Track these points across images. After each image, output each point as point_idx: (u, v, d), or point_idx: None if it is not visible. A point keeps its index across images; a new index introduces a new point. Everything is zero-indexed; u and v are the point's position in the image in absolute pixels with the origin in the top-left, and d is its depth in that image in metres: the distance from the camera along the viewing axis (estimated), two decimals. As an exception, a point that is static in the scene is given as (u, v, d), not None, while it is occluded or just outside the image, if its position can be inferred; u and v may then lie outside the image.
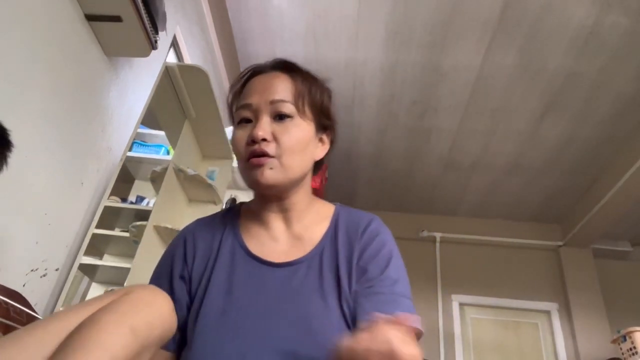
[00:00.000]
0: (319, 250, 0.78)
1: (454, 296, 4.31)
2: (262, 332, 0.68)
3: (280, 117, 0.77)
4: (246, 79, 0.84)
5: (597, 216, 3.91)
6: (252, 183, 0.77)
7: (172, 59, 2.38)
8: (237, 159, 0.79)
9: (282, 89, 0.78)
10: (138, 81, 1.93)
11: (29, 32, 1.28)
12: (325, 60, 3.08)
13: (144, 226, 1.87)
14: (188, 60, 2.49)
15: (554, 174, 3.96)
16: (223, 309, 0.71)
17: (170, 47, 2.24)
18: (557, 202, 4.31)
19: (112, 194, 1.73)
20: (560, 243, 4.46)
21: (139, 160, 2.21)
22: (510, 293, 4.28)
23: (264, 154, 0.74)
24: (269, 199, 0.81)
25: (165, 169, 2.06)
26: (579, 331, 4.03)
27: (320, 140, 0.83)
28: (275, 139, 0.75)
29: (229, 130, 2.69)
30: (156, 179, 2.10)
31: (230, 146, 0.78)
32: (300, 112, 0.78)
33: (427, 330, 4.04)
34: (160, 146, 2.35)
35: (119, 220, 1.99)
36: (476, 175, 4.11)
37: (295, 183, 0.79)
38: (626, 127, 3.36)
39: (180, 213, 2.25)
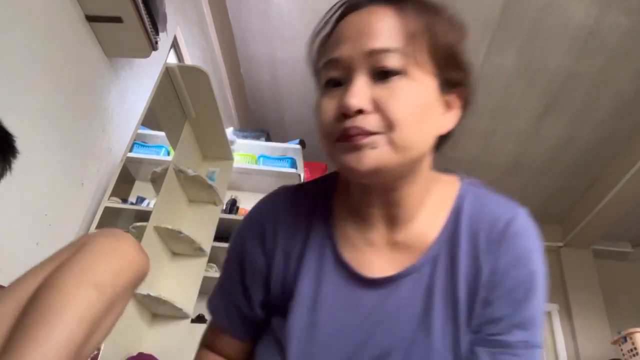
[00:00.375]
0: (429, 259, 0.57)
1: (454, 297, 4.31)
2: None
3: (383, 74, 0.51)
4: (336, 20, 0.58)
5: (597, 217, 3.91)
6: (346, 171, 0.53)
7: (172, 59, 2.38)
8: (323, 140, 0.55)
9: (386, 30, 0.52)
10: (138, 82, 1.93)
11: (29, 32, 1.28)
12: (326, 60, 3.07)
13: (144, 227, 1.87)
14: (188, 60, 2.49)
15: (554, 174, 3.96)
16: (308, 330, 0.58)
17: (170, 48, 2.24)
18: (557, 202, 4.31)
19: (112, 194, 1.73)
20: (560, 244, 4.45)
21: (139, 161, 2.21)
22: (510, 293, 4.27)
23: (362, 133, 0.50)
24: (371, 190, 0.58)
25: (166, 170, 2.06)
26: (580, 332, 4.03)
27: (447, 104, 0.57)
28: (377, 108, 0.51)
29: (229, 131, 2.69)
30: (156, 180, 2.10)
31: (316, 121, 0.54)
32: (415, 63, 0.52)
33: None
34: (160, 147, 2.35)
35: (119, 221, 1.99)
36: (476, 175, 4.09)
37: (409, 168, 0.55)
38: (626, 127, 3.36)
39: (180, 214, 2.25)
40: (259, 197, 0.70)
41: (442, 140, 0.60)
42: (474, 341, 0.55)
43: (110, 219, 1.77)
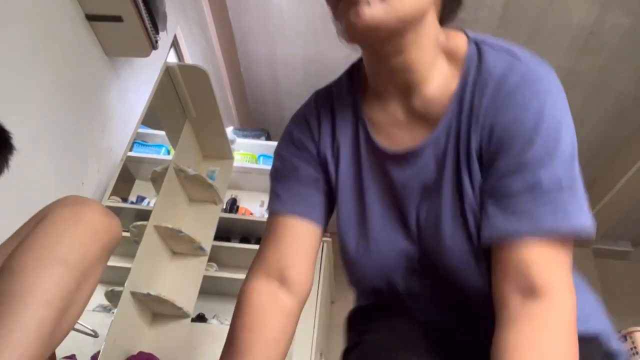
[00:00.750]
0: (444, 128, 0.58)
1: (454, 296, 4.31)
2: (392, 245, 0.62)
3: None
4: None
5: (597, 216, 3.89)
6: (348, 29, 0.55)
7: (172, 58, 2.38)
8: (332, 15, 0.59)
9: None
10: (138, 81, 1.93)
11: (29, 32, 1.28)
12: (326, 59, 3.08)
13: (145, 226, 1.87)
14: (188, 60, 2.49)
15: (555, 173, 3.96)
16: (357, 219, 0.64)
17: (170, 47, 2.24)
18: (557, 202, 4.31)
19: (112, 193, 1.73)
20: (560, 243, 4.46)
21: (140, 160, 2.21)
22: (510, 293, 4.28)
23: None
24: (380, 56, 0.59)
25: (166, 169, 2.06)
26: (580, 331, 4.04)
27: None
28: None
29: (229, 130, 2.69)
30: (157, 179, 2.10)
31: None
32: None
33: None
34: (160, 146, 2.35)
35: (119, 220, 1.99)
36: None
37: (409, 25, 0.55)
38: (627, 127, 3.36)
39: (180, 213, 2.26)
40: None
41: (450, 3, 0.63)
42: (483, 197, 0.55)
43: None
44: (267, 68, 3.29)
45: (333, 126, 0.67)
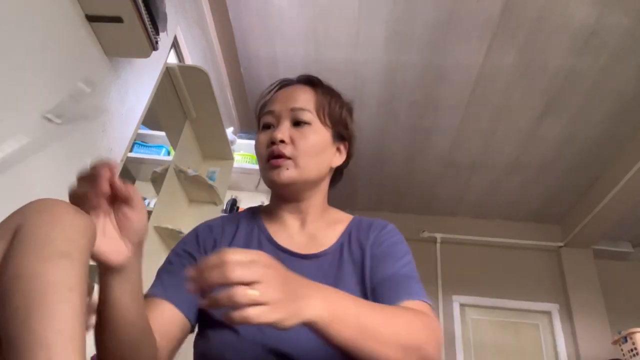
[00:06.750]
0: (336, 247, 0.83)
1: (454, 297, 4.31)
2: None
3: (299, 123, 0.82)
4: (273, 91, 0.91)
5: (597, 217, 3.91)
6: (270, 182, 0.83)
7: (172, 59, 2.38)
8: (258, 161, 0.85)
9: (304, 99, 0.85)
10: (139, 82, 1.93)
11: (29, 32, 1.28)
12: (326, 60, 3.08)
13: (145, 227, 1.87)
14: (189, 60, 2.49)
15: (555, 173, 3.96)
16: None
17: (170, 48, 2.24)
18: (557, 202, 4.31)
19: (112, 194, 1.72)
20: (560, 244, 4.45)
21: (140, 161, 2.21)
22: (511, 294, 4.27)
23: (281, 155, 0.79)
24: (286, 199, 0.86)
25: (166, 170, 2.06)
26: (580, 332, 4.03)
27: (338, 149, 0.88)
28: (292, 141, 0.81)
29: (229, 131, 2.69)
30: (157, 180, 2.10)
31: (255, 150, 0.90)
32: (319, 120, 0.84)
33: (428, 331, 4.04)
34: (160, 147, 2.35)
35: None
36: (476, 175, 4.10)
37: (311, 185, 0.84)
38: (627, 127, 3.36)
39: (180, 214, 2.25)
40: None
41: (336, 175, 0.92)
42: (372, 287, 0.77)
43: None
44: (267, 68, 3.29)
45: (234, 234, 0.85)
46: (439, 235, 4.54)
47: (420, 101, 3.39)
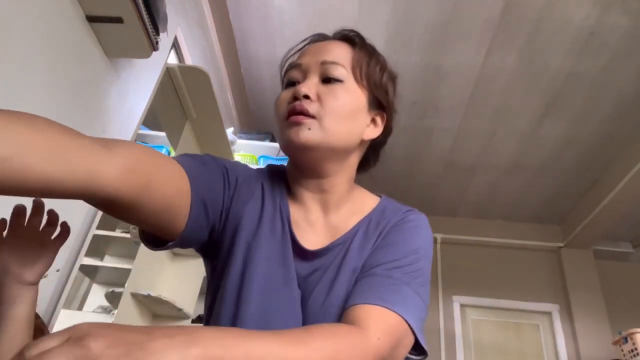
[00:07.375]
0: (350, 235, 0.70)
1: (455, 297, 4.31)
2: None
3: (329, 80, 0.69)
4: (305, 45, 0.76)
5: (598, 217, 3.91)
6: (286, 143, 0.68)
7: (173, 59, 2.38)
8: (276, 122, 0.71)
9: (338, 53, 0.71)
10: (139, 82, 1.93)
11: (29, 32, 1.28)
12: (326, 61, 3.08)
13: (145, 227, 1.87)
14: (189, 61, 2.49)
15: (555, 174, 3.96)
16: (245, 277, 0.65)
17: (171, 48, 2.24)
18: (558, 202, 4.31)
19: (112, 194, 1.72)
20: (561, 244, 4.45)
21: (140, 161, 2.20)
22: (511, 294, 4.27)
23: (304, 112, 0.65)
24: (306, 172, 0.71)
25: (166, 170, 2.05)
26: (580, 332, 4.03)
27: (373, 121, 0.74)
28: (319, 99, 0.67)
29: (229, 131, 2.69)
30: (157, 180, 2.09)
31: (274, 109, 0.74)
32: (355, 79, 0.70)
33: (428, 331, 4.04)
34: (161, 147, 2.35)
35: (119, 221, 1.99)
36: (477, 175, 4.10)
37: (337, 156, 0.69)
38: (627, 127, 3.36)
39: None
40: None
41: (369, 151, 0.78)
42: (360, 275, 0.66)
43: (110, 219, 1.77)
44: (267, 69, 3.29)
45: (260, 212, 0.71)
46: (439, 236, 4.54)
47: (421, 101, 3.39)
